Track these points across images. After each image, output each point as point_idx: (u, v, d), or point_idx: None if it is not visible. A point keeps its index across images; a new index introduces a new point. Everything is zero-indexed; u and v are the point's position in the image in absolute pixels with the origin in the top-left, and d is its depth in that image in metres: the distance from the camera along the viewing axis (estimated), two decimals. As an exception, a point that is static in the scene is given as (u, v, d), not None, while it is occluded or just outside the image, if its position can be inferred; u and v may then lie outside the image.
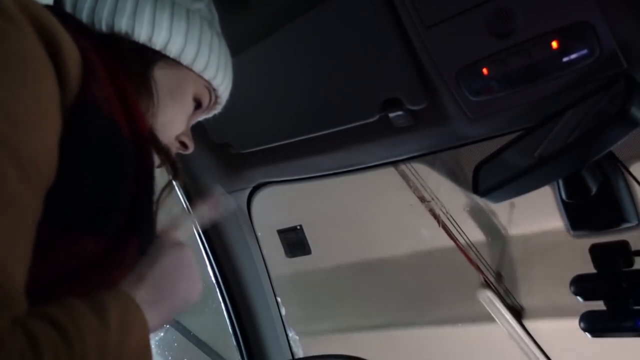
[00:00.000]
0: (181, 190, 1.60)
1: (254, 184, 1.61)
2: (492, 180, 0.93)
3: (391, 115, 1.14)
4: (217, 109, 0.93)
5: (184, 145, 0.86)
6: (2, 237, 0.43)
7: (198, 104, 0.85)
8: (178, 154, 0.88)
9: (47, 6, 0.61)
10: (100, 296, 0.54)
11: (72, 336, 0.46)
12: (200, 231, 1.65)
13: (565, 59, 0.87)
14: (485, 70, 0.95)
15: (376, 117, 1.17)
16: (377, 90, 1.13)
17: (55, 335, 0.45)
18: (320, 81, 1.20)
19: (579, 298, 0.89)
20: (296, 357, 1.72)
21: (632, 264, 0.85)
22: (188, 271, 0.71)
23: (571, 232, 0.91)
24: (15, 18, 0.51)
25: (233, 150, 1.50)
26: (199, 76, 0.82)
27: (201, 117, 0.91)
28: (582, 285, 0.89)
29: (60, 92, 0.54)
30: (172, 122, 0.80)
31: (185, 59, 0.78)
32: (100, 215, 0.57)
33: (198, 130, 0.95)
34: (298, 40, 1.15)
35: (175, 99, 0.79)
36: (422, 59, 1.02)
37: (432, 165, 2.10)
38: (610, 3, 0.82)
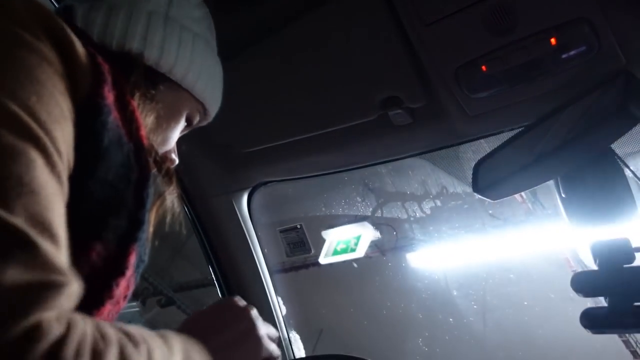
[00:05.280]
0: (182, 191, 1.60)
1: (254, 184, 1.62)
2: (492, 177, 0.93)
3: (390, 113, 1.14)
4: (204, 124, 0.95)
5: (170, 160, 0.88)
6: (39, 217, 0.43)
7: (188, 122, 0.88)
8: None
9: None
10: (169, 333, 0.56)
11: (139, 340, 0.47)
12: (201, 230, 1.65)
13: (564, 56, 0.87)
14: (484, 68, 0.95)
15: (376, 116, 1.17)
16: (377, 88, 1.13)
17: (122, 336, 0.45)
18: (321, 80, 1.20)
19: (580, 295, 0.89)
20: (297, 356, 1.72)
21: (633, 260, 0.85)
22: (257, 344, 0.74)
23: (572, 228, 0.91)
24: (28, 24, 0.53)
25: (233, 150, 1.50)
26: (195, 98, 0.84)
27: (185, 131, 0.93)
28: (583, 282, 0.89)
29: (72, 92, 0.56)
30: (167, 139, 0.82)
31: (186, 83, 0.81)
32: (110, 221, 0.58)
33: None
34: (298, 40, 1.15)
35: (172, 118, 0.82)
36: (421, 57, 1.02)
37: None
38: (609, -1, 0.82)
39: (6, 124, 0.45)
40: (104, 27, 0.74)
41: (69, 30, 0.58)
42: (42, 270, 0.40)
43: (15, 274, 0.37)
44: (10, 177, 0.42)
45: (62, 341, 0.38)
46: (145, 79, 0.75)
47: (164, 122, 0.79)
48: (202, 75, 0.83)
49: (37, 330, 0.37)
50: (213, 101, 0.89)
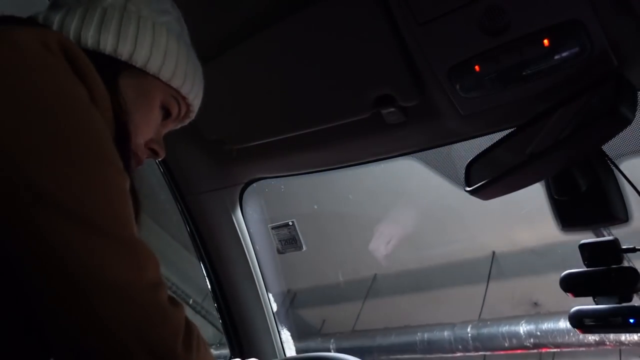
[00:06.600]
0: (174, 187, 1.60)
1: (246, 180, 1.61)
2: (484, 177, 0.93)
3: (384, 111, 1.14)
4: (191, 117, 0.95)
5: (154, 152, 0.88)
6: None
7: (167, 113, 0.87)
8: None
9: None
10: None
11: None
12: (193, 226, 1.64)
13: (556, 57, 0.87)
14: (477, 68, 0.95)
15: (369, 114, 1.17)
16: (370, 86, 1.13)
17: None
18: (314, 77, 1.20)
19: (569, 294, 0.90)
20: (287, 355, 1.72)
21: (621, 260, 0.86)
22: None
23: (561, 229, 0.92)
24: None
25: (226, 146, 1.49)
26: (167, 85, 0.84)
27: (176, 126, 0.93)
28: (571, 282, 0.90)
29: None
30: (138, 129, 0.82)
31: (151, 69, 0.81)
32: None
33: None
34: (292, 37, 1.15)
35: (141, 107, 0.82)
36: (414, 56, 1.02)
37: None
38: (602, 1, 0.82)
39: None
40: (61, 23, 0.77)
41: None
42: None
43: (153, 274, 0.63)
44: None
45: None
46: (107, 68, 0.76)
47: (132, 110, 0.79)
48: (168, 60, 0.83)
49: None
50: (188, 86, 0.88)
